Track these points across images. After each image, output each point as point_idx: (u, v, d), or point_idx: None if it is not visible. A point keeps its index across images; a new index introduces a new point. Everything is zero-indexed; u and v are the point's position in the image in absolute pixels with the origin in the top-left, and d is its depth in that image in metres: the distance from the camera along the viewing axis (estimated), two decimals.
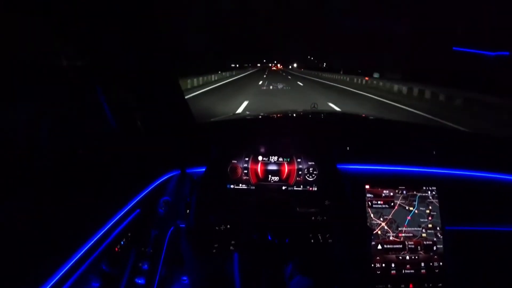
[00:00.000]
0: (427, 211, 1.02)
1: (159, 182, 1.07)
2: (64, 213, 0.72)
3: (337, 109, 7.72)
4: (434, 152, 1.17)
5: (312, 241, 0.90)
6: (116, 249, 0.83)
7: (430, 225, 1.01)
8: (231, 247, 0.90)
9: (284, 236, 0.84)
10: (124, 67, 0.96)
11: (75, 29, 0.71)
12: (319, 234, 0.92)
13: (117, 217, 0.82)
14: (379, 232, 1.00)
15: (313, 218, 0.95)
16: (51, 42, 1.01)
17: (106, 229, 0.76)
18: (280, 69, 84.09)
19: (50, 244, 0.64)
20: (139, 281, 0.91)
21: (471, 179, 1.12)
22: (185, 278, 1.03)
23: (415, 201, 1.03)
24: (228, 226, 0.95)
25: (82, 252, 0.67)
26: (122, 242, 0.86)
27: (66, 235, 0.68)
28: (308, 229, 0.97)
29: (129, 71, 0.98)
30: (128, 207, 0.88)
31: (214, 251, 0.90)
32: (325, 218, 0.95)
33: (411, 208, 1.02)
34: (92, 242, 0.70)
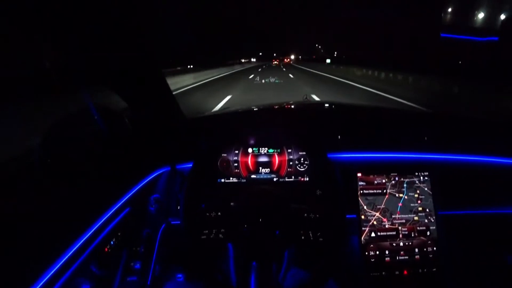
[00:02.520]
0: (416, 196, 1.03)
1: (149, 179, 1.05)
2: (50, 213, 0.71)
3: None
4: (425, 138, 1.17)
5: (303, 238, 0.89)
6: (106, 249, 0.82)
7: (420, 208, 1.02)
8: (220, 235, 0.89)
9: (275, 229, 0.83)
10: (110, 66, 0.93)
11: (57, 30, 0.69)
12: (310, 232, 0.91)
13: (106, 217, 0.81)
14: (374, 223, 1.00)
15: (305, 215, 0.94)
16: (34, 45, 0.98)
17: (94, 229, 0.75)
18: (288, 63, 65.10)
19: (35, 246, 0.62)
20: (132, 281, 0.90)
21: (463, 163, 1.12)
22: (180, 275, 1.02)
23: (404, 188, 1.03)
24: (219, 213, 0.94)
25: (69, 254, 0.65)
26: (112, 242, 0.84)
27: (52, 237, 0.66)
28: (299, 226, 0.96)
29: (115, 70, 0.95)
30: (117, 206, 0.87)
31: (204, 237, 0.89)
32: (317, 216, 0.94)
33: (400, 195, 1.03)
34: (79, 243, 0.69)
